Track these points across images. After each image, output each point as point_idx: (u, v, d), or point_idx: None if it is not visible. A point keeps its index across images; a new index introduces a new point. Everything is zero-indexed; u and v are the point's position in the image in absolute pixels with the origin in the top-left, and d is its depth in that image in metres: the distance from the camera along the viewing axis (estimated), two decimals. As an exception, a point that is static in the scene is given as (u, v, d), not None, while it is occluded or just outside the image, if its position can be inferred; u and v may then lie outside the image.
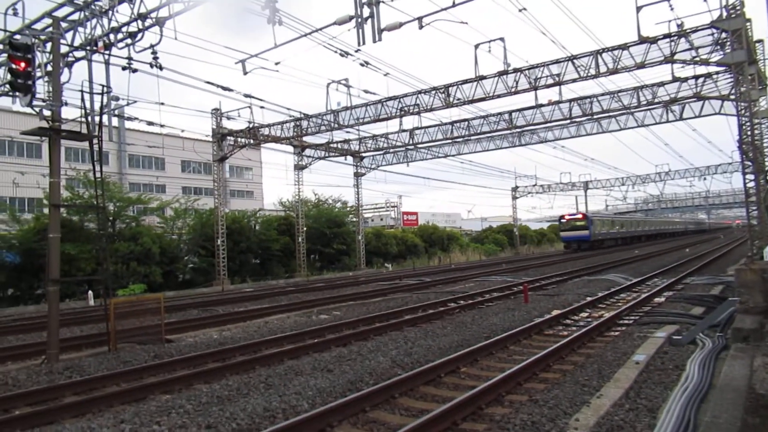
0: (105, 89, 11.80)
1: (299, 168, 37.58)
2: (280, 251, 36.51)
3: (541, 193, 62.12)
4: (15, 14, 13.19)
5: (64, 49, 12.74)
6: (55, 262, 11.07)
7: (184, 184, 55.79)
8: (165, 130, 27.45)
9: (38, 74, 11.13)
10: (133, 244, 27.62)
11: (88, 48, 13.50)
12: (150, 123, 25.11)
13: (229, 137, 32.18)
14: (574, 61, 21.70)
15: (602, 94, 26.67)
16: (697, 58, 19.04)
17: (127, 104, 14.04)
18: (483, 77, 23.24)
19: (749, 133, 16.97)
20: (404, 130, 31.65)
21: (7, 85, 14.60)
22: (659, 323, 11.77)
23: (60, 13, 13.82)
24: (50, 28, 11.94)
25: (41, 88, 11.46)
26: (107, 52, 13.46)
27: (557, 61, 22.11)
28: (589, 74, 21.51)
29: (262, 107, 27.71)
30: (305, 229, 36.60)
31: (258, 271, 35.58)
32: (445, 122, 30.89)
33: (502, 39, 20.81)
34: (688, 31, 19.04)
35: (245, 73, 17.31)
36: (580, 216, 56.13)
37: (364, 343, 11.00)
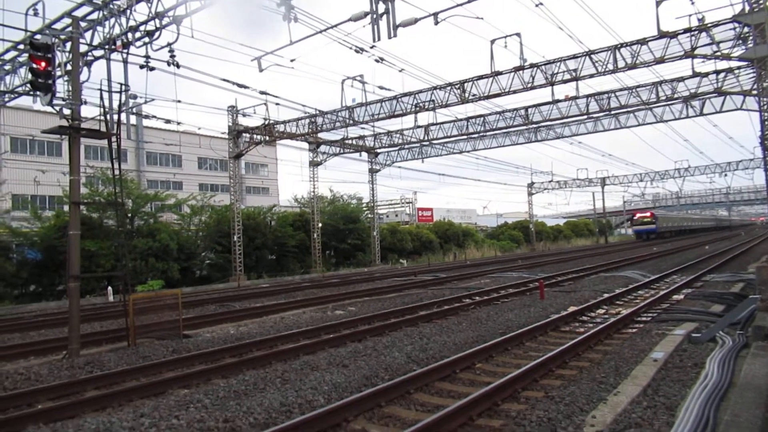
0: (123, 87, 11.98)
1: (314, 164, 37.74)
2: (296, 247, 36.72)
3: (557, 189, 61.72)
4: (36, 14, 13.45)
5: (83, 48, 12.94)
6: (76, 258, 11.25)
7: (200, 181, 56.35)
8: (182, 127, 27.78)
9: (58, 73, 11.29)
10: (151, 241, 28.00)
11: (107, 47, 13.70)
12: (167, 121, 25.43)
13: (244, 134, 32.40)
14: (592, 56, 21.48)
15: (620, 90, 26.33)
16: (719, 53, 18.75)
17: (145, 102, 14.24)
18: (499, 73, 23.09)
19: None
20: (419, 126, 31.64)
21: (28, 85, 14.91)
22: (678, 321, 11.59)
23: (79, 13, 14.07)
24: (70, 28, 12.13)
25: (61, 87, 11.63)
26: (125, 50, 13.66)
27: (574, 56, 21.90)
28: (607, 69, 21.28)
29: (277, 104, 27.80)
30: (320, 225, 36.74)
31: (274, 267, 35.81)
32: (460, 118, 30.73)
33: (518, 34, 20.70)
34: (709, 25, 18.76)
35: (261, 71, 17.44)
36: (648, 214, 72.48)
37: (379, 339, 11.02)
